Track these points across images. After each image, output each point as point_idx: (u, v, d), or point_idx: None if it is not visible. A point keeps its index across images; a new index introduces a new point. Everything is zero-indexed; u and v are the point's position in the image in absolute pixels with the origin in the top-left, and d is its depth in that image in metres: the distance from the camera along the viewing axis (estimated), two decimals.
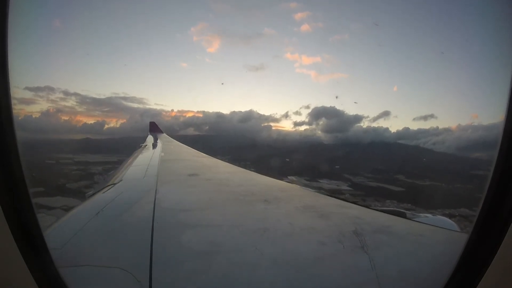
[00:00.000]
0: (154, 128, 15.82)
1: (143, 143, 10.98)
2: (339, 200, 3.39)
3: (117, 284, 1.50)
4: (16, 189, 1.13)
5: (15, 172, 1.13)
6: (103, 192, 3.49)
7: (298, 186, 4.56)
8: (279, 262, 1.77)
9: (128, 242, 2.02)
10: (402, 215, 3.13)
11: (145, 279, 1.52)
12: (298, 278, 1.61)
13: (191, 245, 1.96)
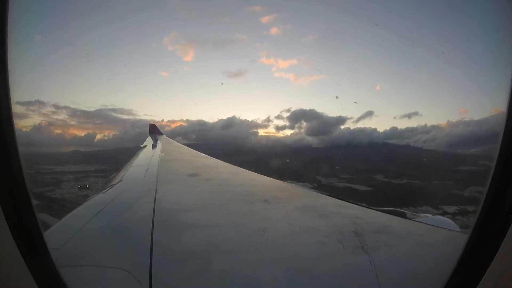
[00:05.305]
0: (154, 130, 15.97)
1: (142, 144, 11.00)
2: (339, 200, 3.39)
3: (117, 284, 1.50)
4: (16, 189, 1.13)
5: (15, 173, 1.13)
6: (103, 193, 3.49)
7: (298, 186, 4.56)
8: (279, 262, 1.77)
9: (128, 242, 2.02)
10: (402, 215, 3.14)
11: (145, 279, 1.52)
12: (298, 278, 1.61)
13: (191, 245, 1.96)
